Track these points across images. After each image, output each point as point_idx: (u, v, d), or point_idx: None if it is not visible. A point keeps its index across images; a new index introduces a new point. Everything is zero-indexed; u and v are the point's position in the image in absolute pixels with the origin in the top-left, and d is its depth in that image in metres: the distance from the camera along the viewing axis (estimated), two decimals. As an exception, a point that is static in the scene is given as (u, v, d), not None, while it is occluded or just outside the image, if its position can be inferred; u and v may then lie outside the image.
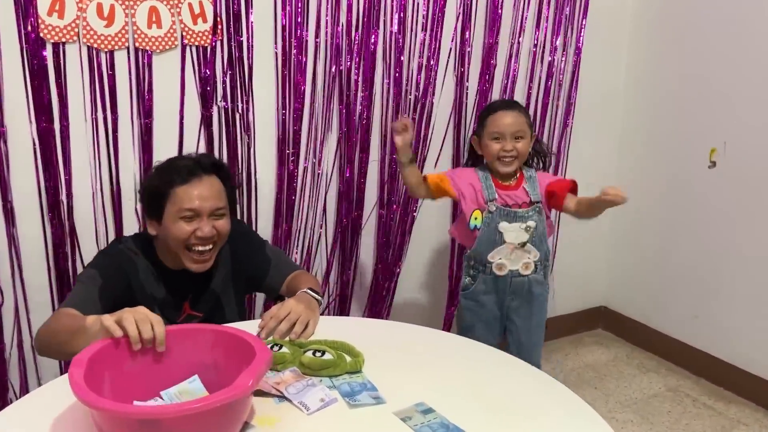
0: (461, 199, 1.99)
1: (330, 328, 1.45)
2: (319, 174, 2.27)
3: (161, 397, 1.13)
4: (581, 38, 2.67)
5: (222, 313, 1.70)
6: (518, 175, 1.99)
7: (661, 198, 2.83)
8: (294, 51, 2.12)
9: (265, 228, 2.23)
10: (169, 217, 1.54)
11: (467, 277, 2.05)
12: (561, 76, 2.66)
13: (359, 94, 2.26)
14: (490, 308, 2.04)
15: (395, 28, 2.26)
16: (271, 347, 1.30)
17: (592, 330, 3.15)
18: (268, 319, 1.42)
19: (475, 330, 2.04)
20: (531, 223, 1.95)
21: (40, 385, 1.95)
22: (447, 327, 2.67)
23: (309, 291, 1.57)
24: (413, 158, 2.00)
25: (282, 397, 1.17)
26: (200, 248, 1.56)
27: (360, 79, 2.24)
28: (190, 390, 1.14)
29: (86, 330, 1.23)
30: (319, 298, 1.59)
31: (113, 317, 1.16)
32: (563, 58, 2.64)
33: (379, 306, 2.51)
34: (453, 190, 1.99)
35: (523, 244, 1.96)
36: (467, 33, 2.40)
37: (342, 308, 2.47)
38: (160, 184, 1.56)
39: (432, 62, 2.36)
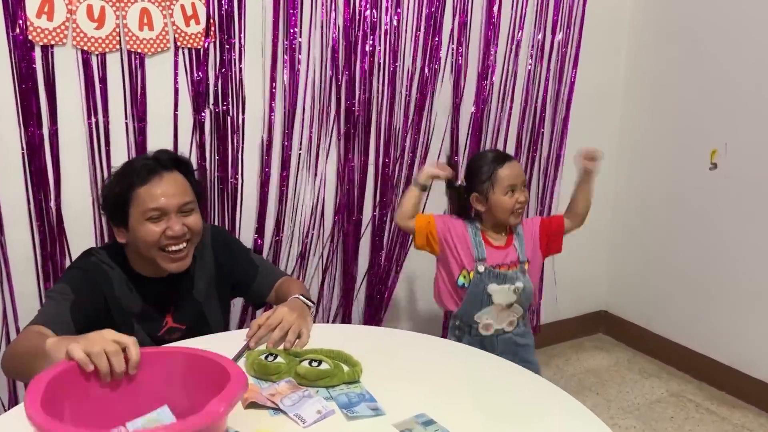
0: (448, 251, 1.91)
1: (326, 336, 1.41)
2: (314, 178, 2.24)
3: (125, 427, 1.03)
4: (579, 39, 2.64)
5: (206, 324, 1.64)
6: (507, 231, 1.93)
7: (661, 201, 2.80)
8: (286, 55, 2.08)
9: (252, 233, 2.20)
10: (135, 221, 1.48)
11: (452, 337, 1.98)
12: (558, 77, 2.63)
13: (358, 95, 2.22)
14: None
15: (391, 28, 2.22)
16: (266, 357, 1.26)
17: (592, 334, 3.12)
18: (256, 328, 1.38)
19: None
20: (519, 285, 1.89)
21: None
22: (445, 333, 2.63)
23: (301, 297, 1.53)
24: (428, 188, 1.94)
25: (277, 410, 1.13)
26: (174, 247, 1.49)
27: (357, 81, 2.21)
28: (159, 421, 1.05)
29: (46, 355, 1.14)
30: (311, 304, 1.54)
31: (80, 346, 1.04)
32: (560, 59, 2.62)
33: (375, 313, 2.47)
34: (437, 244, 1.91)
35: (510, 305, 1.91)
36: (464, 34, 2.37)
37: (338, 315, 2.43)
38: (120, 189, 1.49)
39: (429, 64, 2.32)
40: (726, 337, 2.60)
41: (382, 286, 2.46)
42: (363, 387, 1.22)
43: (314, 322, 1.50)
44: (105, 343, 1.05)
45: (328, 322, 2.39)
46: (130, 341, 1.07)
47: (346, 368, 1.25)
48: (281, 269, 2.08)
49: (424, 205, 2.21)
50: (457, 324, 1.97)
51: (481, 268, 1.88)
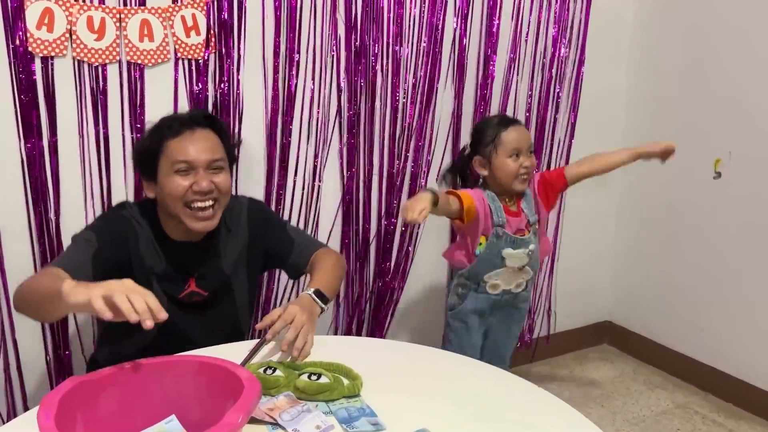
0: (475, 222, 1.88)
1: (326, 348, 1.39)
2: (318, 188, 2.22)
3: None
4: (583, 52, 2.63)
5: (230, 293, 1.63)
6: (516, 196, 1.93)
7: (665, 210, 2.78)
8: (287, 65, 2.08)
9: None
10: (163, 174, 1.46)
11: (454, 296, 1.98)
12: (561, 85, 2.62)
13: (363, 105, 2.21)
14: (476, 330, 1.99)
15: (392, 39, 2.22)
16: (264, 370, 1.24)
17: (596, 345, 3.09)
18: (270, 322, 1.35)
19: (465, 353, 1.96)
20: (532, 247, 1.91)
21: (27, 409, 1.89)
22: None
23: (312, 296, 1.49)
24: (435, 200, 1.72)
25: (275, 425, 1.11)
26: (199, 204, 1.46)
27: (359, 89, 2.20)
28: (167, 431, 1.04)
29: (62, 298, 1.12)
30: (323, 306, 1.50)
31: (100, 291, 1.04)
32: (563, 67, 2.60)
33: (377, 325, 2.45)
34: (472, 217, 1.87)
35: (522, 267, 1.93)
36: (465, 42, 2.36)
37: (338, 327, 2.41)
38: (151, 141, 1.48)
39: (429, 73, 2.32)
40: (732, 348, 2.57)
41: (386, 297, 2.44)
42: (363, 401, 1.20)
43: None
44: (122, 287, 1.06)
45: (327, 333, 2.37)
46: (148, 292, 1.07)
47: (346, 382, 1.24)
48: (319, 240, 1.98)
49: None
50: (462, 282, 1.96)
51: (500, 232, 1.87)
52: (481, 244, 1.90)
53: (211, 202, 1.48)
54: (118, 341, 1.52)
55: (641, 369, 2.87)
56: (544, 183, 1.99)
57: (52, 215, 1.85)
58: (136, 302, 1.04)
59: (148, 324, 1.05)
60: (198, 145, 1.47)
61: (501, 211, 1.89)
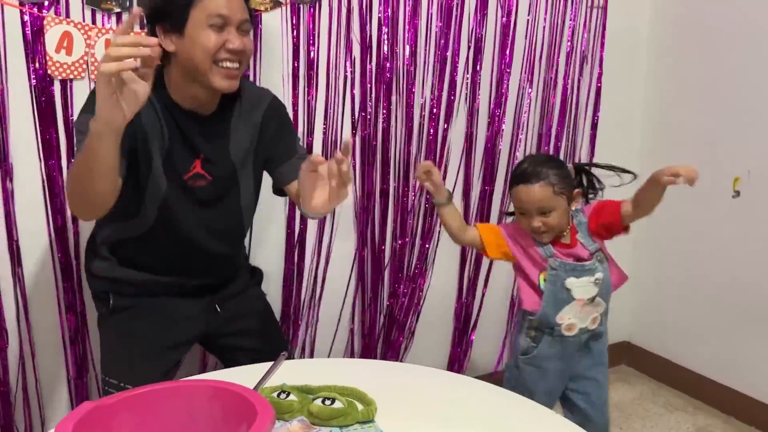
0: (522, 256, 1.78)
1: (340, 372, 1.39)
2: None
3: None
4: (600, 72, 2.63)
5: (237, 190, 1.60)
6: (570, 228, 1.77)
7: (684, 229, 2.75)
8: (306, 85, 2.09)
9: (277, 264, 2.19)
10: (195, 26, 1.40)
11: (527, 339, 1.81)
12: (577, 105, 2.61)
13: (380, 124, 2.22)
14: (553, 375, 1.81)
15: (407, 59, 2.22)
16: (278, 394, 1.24)
17: (615, 366, 3.04)
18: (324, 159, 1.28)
19: (534, 398, 1.88)
20: (599, 275, 1.75)
21: (44, 427, 1.90)
22: (460, 368, 2.59)
23: None
24: (449, 196, 1.78)
25: (289, 450, 1.11)
26: (229, 64, 1.43)
27: (374, 111, 2.21)
28: None
29: (92, 138, 1.19)
30: None
31: (98, 83, 1.13)
32: (579, 88, 2.60)
33: (393, 347, 2.44)
34: (511, 253, 1.78)
35: (593, 299, 1.76)
36: (478, 62, 2.36)
37: (353, 349, 2.40)
38: None
39: (443, 92, 2.32)
40: (754, 370, 2.52)
41: (403, 318, 2.43)
42: (377, 427, 1.19)
43: (329, 355, 1.46)
44: (112, 51, 1.10)
45: (342, 356, 2.36)
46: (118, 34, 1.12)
47: (360, 407, 1.22)
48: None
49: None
50: (534, 326, 1.79)
51: (555, 264, 1.74)
52: (544, 280, 1.76)
53: (238, 64, 1.46)
54: (118, 222, 1.54)
55: (661, 391, 2.82)
56: (595, 218, 1.79)
57: (71, 235, 1.87)
58: (122, 51, 1.10)
59: (144, 50, 1.11)
60: (233, 4, 1.43)
61: (541, 244, 1.76)
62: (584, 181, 1.83)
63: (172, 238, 1.56)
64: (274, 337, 1.85)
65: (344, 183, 1.26)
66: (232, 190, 1.61)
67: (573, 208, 1.77)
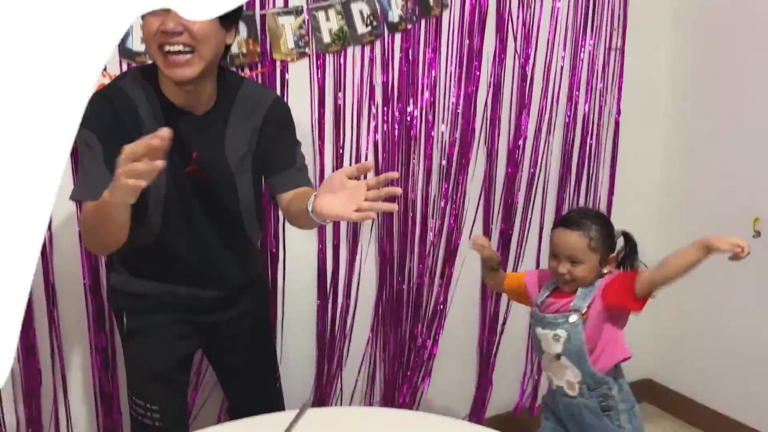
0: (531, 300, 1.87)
1: (352, 422, 1.39)
2: (352, 252, 2.28)
3: None
4: (618, 107, 2.66)
5: (234, 192, 1.57)
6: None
7: (706, 268, 2.73)
8: (333, 130, 2.15)
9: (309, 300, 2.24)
10: (146, 15, 1.37)
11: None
12: (597, 141, 2.64)
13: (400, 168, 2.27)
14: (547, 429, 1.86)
15: (426, 104, 2.28)
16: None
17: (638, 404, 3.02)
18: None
19: None
20: (560, 332, 1.70)
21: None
22: (480, 415, 2.60)
23: None
24: (499, 263, 1.94)
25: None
26: (169, 47, 1.36)
27: (388, 153, 2.26)
28: None
29: (106, 205, 1.28)
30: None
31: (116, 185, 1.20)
32: (599, 128, 2.63)
33: (408, 392, 2.45)
34: (530, 297, 1.84)
35: (558, 356, 1.72)
36: (498, 100, 2.41)
37: (366, 394, 2.42)
38: None
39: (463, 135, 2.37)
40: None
41: (418, 359, 2.45)
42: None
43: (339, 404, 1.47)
44: (122, 174, 1.18)
45: (352, 404, 2.36)
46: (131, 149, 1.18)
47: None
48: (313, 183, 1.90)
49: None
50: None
51: (531, 311, 1.81)
52: None
53: (181, 47, 1.37)
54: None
55: (683, 430, 2.80)
56: (610, 286, 1.75)
57: (102, 274, 1.94)
58: (139, 167, 1.16)
59: (155, 142, 1.17)
60: None
61: (547, 290, 1.80)
62: (626, 250, 1.83)
63: (178, 244, 1.56)
64: (266, 357, 1.86)
65: (376, 208, 1.34)
66: (230, 194, 1.58)
67: (604, 270, 1.76)
